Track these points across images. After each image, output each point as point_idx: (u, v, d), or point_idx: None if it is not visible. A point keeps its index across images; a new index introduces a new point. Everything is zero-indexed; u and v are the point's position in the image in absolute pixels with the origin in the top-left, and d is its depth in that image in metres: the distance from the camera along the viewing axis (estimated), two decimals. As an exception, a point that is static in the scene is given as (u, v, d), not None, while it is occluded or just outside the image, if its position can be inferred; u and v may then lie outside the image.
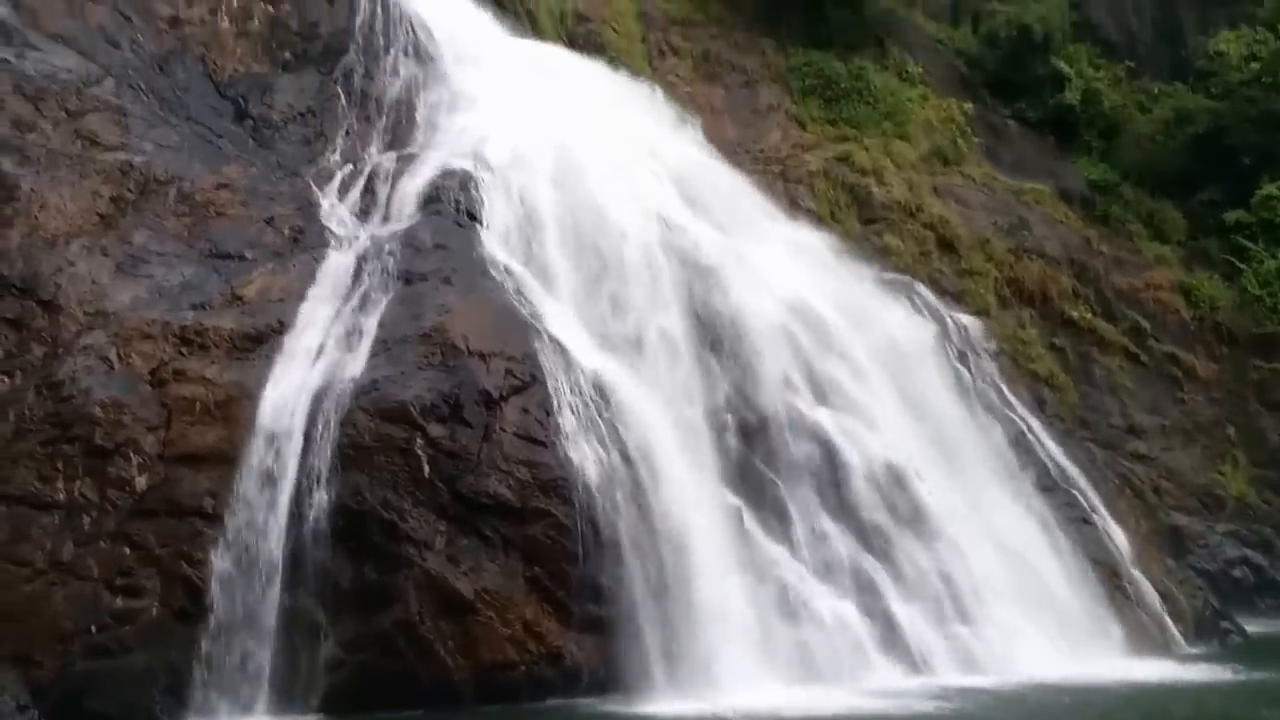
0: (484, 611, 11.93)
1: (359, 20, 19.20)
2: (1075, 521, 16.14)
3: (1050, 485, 16.57)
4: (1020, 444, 16.92)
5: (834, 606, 13.04)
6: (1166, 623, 15.89)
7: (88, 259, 14.16)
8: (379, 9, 19.37)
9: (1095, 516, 16.51)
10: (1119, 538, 16.50)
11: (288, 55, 18.80)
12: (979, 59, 28.35)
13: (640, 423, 13.25)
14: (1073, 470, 17.24)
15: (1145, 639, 15.23)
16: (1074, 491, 16.69)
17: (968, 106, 25.98)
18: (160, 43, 17.81)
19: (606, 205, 15.77)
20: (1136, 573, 16.19)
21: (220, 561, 11.99)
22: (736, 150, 22.63)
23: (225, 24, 18.60)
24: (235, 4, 18.82)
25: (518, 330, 13.53)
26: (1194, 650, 15.66)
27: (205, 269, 14.57)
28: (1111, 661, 13.97)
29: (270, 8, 19.07)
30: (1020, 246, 23.55)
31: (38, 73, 15.42)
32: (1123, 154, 26.89)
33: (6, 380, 13.27)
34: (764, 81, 25.36)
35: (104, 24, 17.10)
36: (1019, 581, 14.38)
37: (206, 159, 16.10)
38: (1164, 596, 16.30)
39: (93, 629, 12.02)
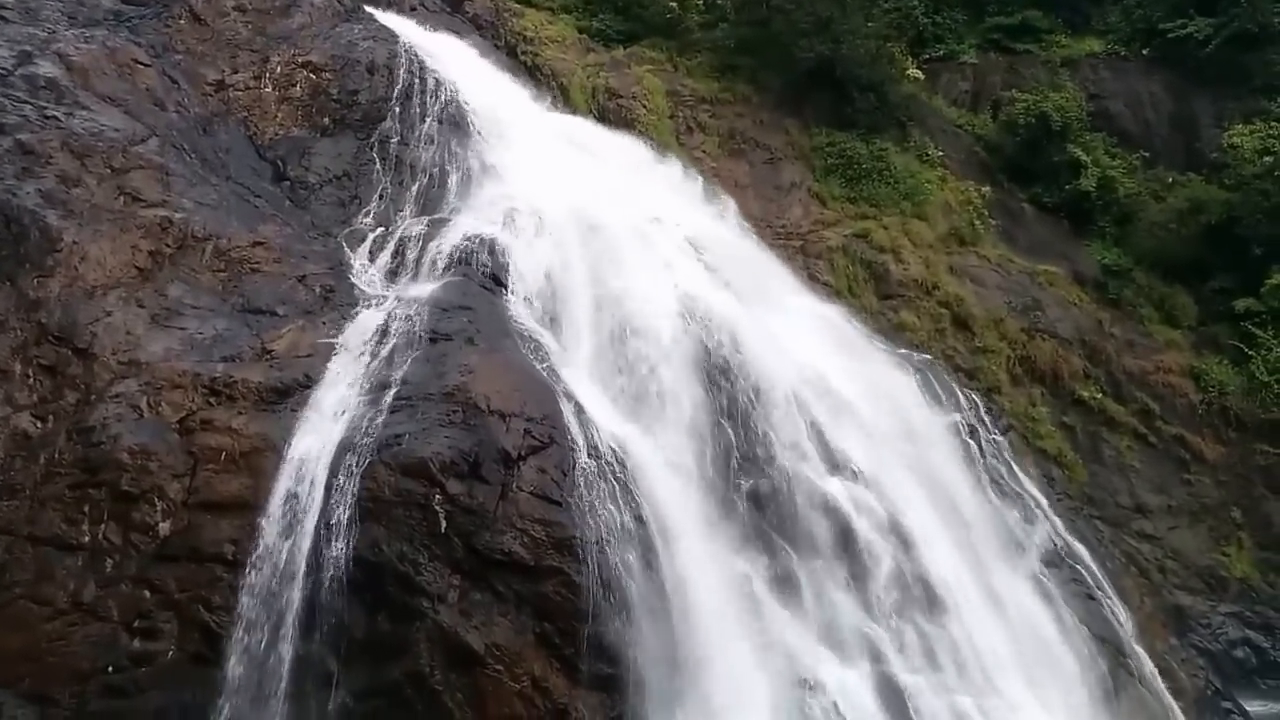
0: (494, 666, 12.13)
1: (397, 90, 19.84)
2: (1080, 597, 16.21)
3: (1056, 561, 16.66)
4: (1028, 519, 17.05)
5: (840, 674, 13.15)
6: (1168, 700, 15.87)
7: (124, 310, 14.59)
8: (417, 80, 20.02)
9: (1100, 593, 16.57)
10: (1123, 615, 16.55)
11: (327, 121, 19.40)
12: (997, 144, 28.86)
13: (654, 486, 13.51)
14: (1079, 547, 17.32)
15: (1147, 716, 15.26)
16: (1079, 568, 16.76)
17: (985, 190, 26.39)
18: (205, 106, 18.46)
19: (629, 273, 16.21)
20: (1139, 649, 16.22)
21: (238, 608, 12.28)
22: (759, 224, 23.06)
23: (268, 89, 19.25)
24: (279, 71, 19.49)
25: (538, 392, 13.84)
26: (1194, 730, 15.72)
27: (237, 323, 14.99)
28: (1113, 738, 14.04)
29: (313, 75, 19.73)
30: (1033, 326, 23.84)
31: (85, 130, 15.94)
32: (1136, 240, 27.20)
33: (39, 424, 13.63)
34: (787, 159, 25.89)
35: (152, 87, 17.71)
36: (1023, 654, 14.46)
37: (244, 217, 16.60)
38: (1166, 674, 16.31)
39: (110, 669, 12.32)
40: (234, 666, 12.07)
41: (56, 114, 15.97)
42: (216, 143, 18.14)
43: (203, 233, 15.86)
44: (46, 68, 16.38)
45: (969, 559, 15.33)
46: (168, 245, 15.52)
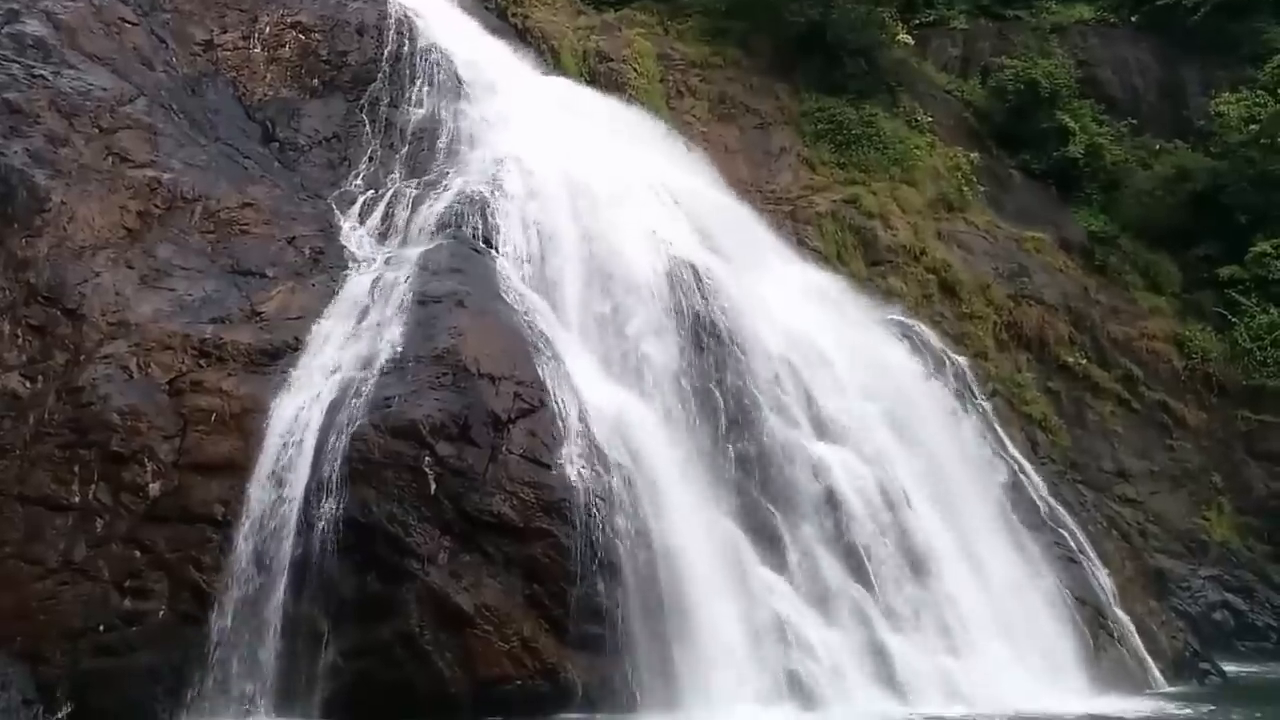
0: (483, 626, 12.24)
1: (387, 51, 19.82)
2: (1062, 560, 16.42)
3: (1039, 524, 16.85)
4: (1012, 484, 17.23)
5: (824, 634, 13.31)
6: (1147, 661, 16.16)
7: (113, 270, 14.60)
8: (406, 41, 19.97)
9: (1082, 556, 16.79)
10: (1104, 578, 16.79)
11: (316, 82, 19.35)
12: (986, 111, 28.87)
13: (643, 449, 13.61)
14: (1062, 511, 17.54)
15: (1126, 676, 15.51)
16: (1062, 531, 16.98)
17: (974, 156, 26.42)
18: (193, 65, 18.36)
19: (619, 236, 16.21)
20: (1120, 612, 16.47)
21: (228, 568, 12.36)
22: (748, 189, 23.07)
23: (257, 50, 19.16)
24: (268, 31, 19.41)
25: (528, 355, 13.90)
26: (1172, 689, 15.90)
27: (226, 284, 15.01)
28: (1092, 697, 14.26)
29: (301, 36, 19.64)
30: (1020, 293, 23.98)
31: (73, 89, 15.88)
32: (1122, 207, 27.32)
33: (28, 384, 13.65)
34: (777, 124, 25.85)
35: (139, 46, 17.62)
36: (1006, 616, 14.66)
37: (233, 178, 16.56)
38: (1145, 636, 16.56)
39: (101, 629, 12.41)
40: (225, 626, 12.16)
41: (44, 73, 15.88)
42: (205, 103, 18.06)
43: (192, 194, 15.84)
44: (34, 26, 16.28)
45: (954, 522, 15.48)
46: (156, 206, 15.50)
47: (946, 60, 30.86)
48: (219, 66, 18.61)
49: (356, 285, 15.05)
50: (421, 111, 19.27)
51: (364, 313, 14.51)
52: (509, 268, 15.60)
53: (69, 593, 12.49)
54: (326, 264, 15.62)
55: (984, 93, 29.41)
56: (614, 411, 13.82)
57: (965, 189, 25.66)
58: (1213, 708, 14.19)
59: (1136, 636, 16.29)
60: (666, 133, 22.02)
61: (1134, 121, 29.09)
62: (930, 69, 29.86)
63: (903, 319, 20.17)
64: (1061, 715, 12.99)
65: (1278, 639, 21.39)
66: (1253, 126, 25.81)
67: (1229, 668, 18.02)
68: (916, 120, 27.06)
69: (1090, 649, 15.30)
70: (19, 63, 15.63)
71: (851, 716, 12.34)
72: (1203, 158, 27.34)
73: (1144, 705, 14.18)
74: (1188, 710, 13.95)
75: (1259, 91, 26.59)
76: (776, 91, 26.36)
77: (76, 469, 13.01)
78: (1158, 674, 16.18)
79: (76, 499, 12.87)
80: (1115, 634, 15.94)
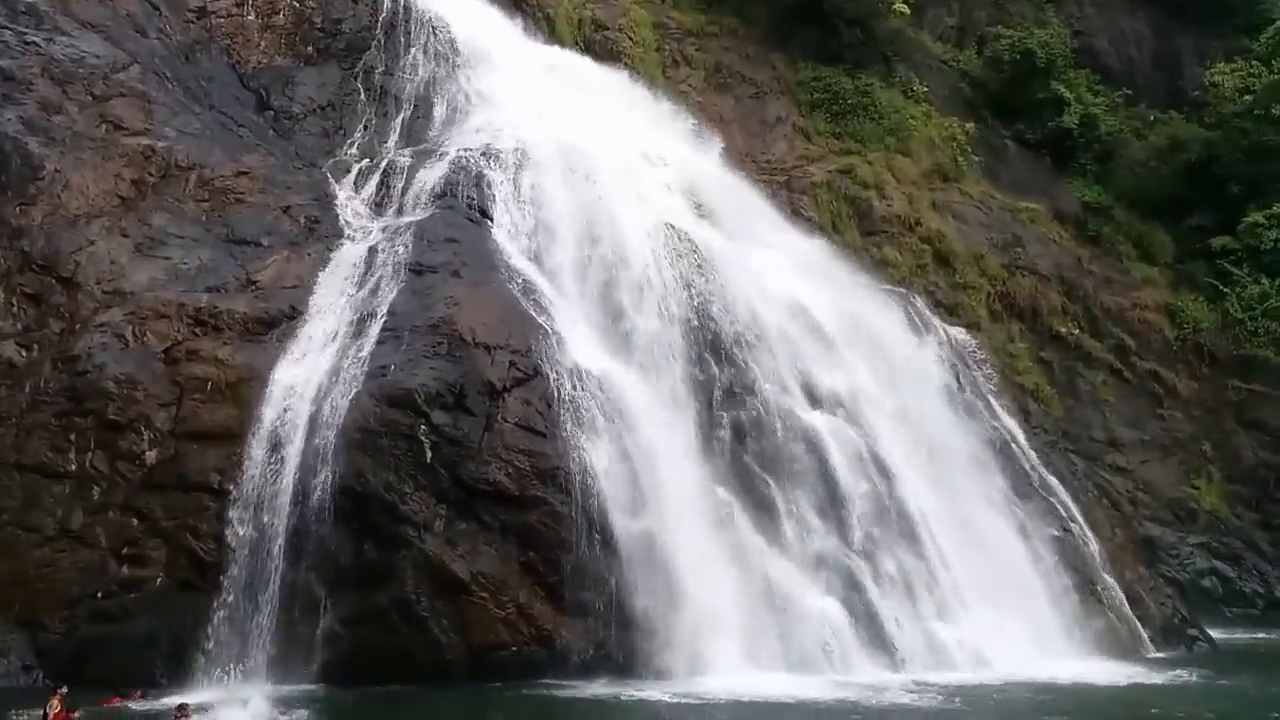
0: (479, 593, 12.36)
1: (381, 18, 19.75)
2: (1053, 528, 16.56)
3: (1031, 493, 17.00)
4: (1005, 453, 17.35)
5: (817, 601, 13.43)
6: (1136, 627, 16.34)
7: (107, 239, 14.60)
8: (401, 9, 19.89)
9: (1073, 524, 16.95)
10: (1094, 545, 16.95)
11: (310, 50, 19.31)
12: (982, 81, 28.85)
13: (637, 418, 13.70)
14: (1053, 480, 17.69)
15: (1115, 642, 15.68)
16: (1053, 500, 17.12)
17: (969, 126, 26.40)
18: (187, 33, 18.27)
19: (614, 206, 16.23)
20: (1109, 579, 16.64)
21: (225, 536, 12.43)
22: (743, 159, 23.05)
23: (251, 17, 19.07)
24: (262, -2, 19.32)
25: (523, 324, 13.96)
26: (1161, 654, 16.11)
27: (222, 253, 15.01)
28: (1081, 662, 14.39)
29: (295, 3, 19.56)
30: (1014, 263, 24.06)
31: (66, 57, 15.82)
32: (1116, 177, 27.41)
33: (24, 353, 13.68)
34: (773, 94, 25.80)
35: (133, 12, 17.53)
36: (997, 583, 14.80)
37: (227, 147, 16.53)
38: (1134, 602, 16.74)
39: (99, 595, 12.53)
40: (222, 593, 12.24)
41: (36, 40, 15.81)
42: (199, 71, 17.98)
43: (186, 162, 15.82)
44: (26, -8, 16.18)
45: (946, 490, 15.60)
46: (151, 174, 15.46)
47: (943, 30, 30.79)
48: (213, 34, 18.52)
49: (352, 254, 15.07)
50: (417, 79, 19.24)
51: (360, 282, 14.53)
52: (504, 237, 15.62)
53: (67, 560, 12.60)
54: (322, 233, 15.61)
55: (980, 62, 29.41)
56: (608, 380, 13.87)
57: (960, 159, 25.68)
58: (1200, 673, 14.39)
59: (1126, 603, 16.48)
60: (662, 102, 21.91)
61: (1129, 92, 29.13)
62: (926, 38, 29.80)
63: (897, 289, 20.25)
64: (1051, 680, 13.15)
65: (1265, 605, 21.72)
66: (1247, 97, 25.88)
67: (1217, 633, 18.26)
68: (912, 90, 27.03)
69: (1080, 615, 15.48)
70: (11, 29, 15.56)
71: (843, 682, 12.44)
72: (1197, 128, 27.45)
73: (1133, 670, 14.36)
74: (1176, 675, 14.14)
75: (1254, 62, 26.64)
76: (772, 61, 26.31)
77: (73, 437, 13.06)
78: (1146, 640, 16.39)
79: (73, 467, 12.94)
80: (1105, 600, 16.11)
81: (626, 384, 14.11)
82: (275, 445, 12.92)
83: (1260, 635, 19.55)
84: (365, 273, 14.61)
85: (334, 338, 13.74)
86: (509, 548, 12.57)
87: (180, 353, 13.58)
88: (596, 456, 13.05)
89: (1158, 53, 30.56)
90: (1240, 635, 19.35)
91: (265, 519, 12.54)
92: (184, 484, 12.87)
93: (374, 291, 14.27)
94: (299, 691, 11.56)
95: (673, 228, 16.36)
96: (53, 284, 14.07)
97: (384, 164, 17.10)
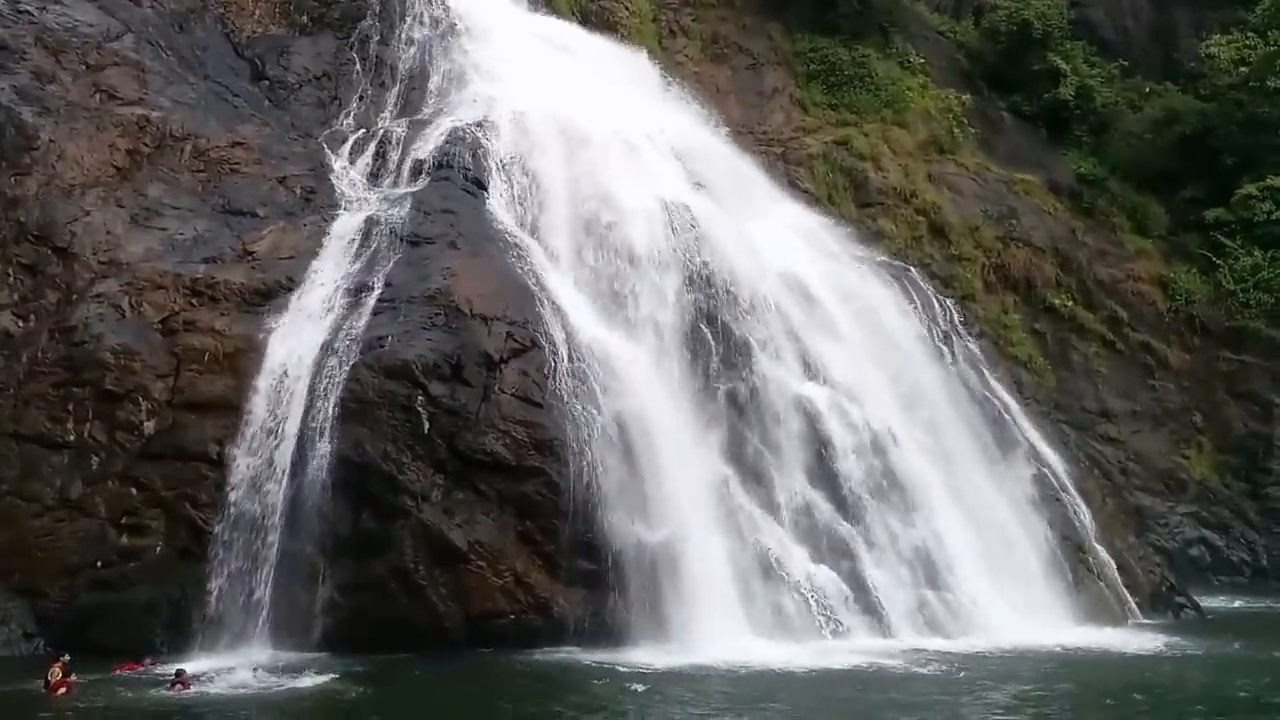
0: (476, 562, 12.46)
1: (376, -13, 19.61)
2: (1045, 497, 16.68)
3: (1023, 463, 16.97)
4: (997, 423, 17.43)
5: (810, 569, 13.54)
6: (1125, 595, 16.50)
7: (103, 209, 14.60)
8: (398, -24, 19.77)
9: (1064, 494, 17.08)
10: (1085, 514, 17.09)
11: (306, 19, 19.18)
12: (978, 52, 28.77)
13: (634, 388, 13.74)
14: (1045, 449, 17.79)
15: (1104, 610, 15.81)
16: (1045, 469, 17.22)
17: (965, 97, 26.33)
18: (181, 1, 18.15)
19: (610, 178, 16.21)
20: (1100, 547, 16.80)
21: (224, 506, 12.52)
22: (740, 130, 23.01)
23: (245, -15, 18.96)
24: (256, -34, 19.16)
25: (520, 295, 13.99)
26: (1149, 621, 16.26)
27: (218, 224, 15.02)
28: (1071, 629, 14.52)
29: (290, -30, 19.41)
30: (1008, 235, 24.07)
31: (59, 25, 15.74)
32: (1112, 149, 27.37)
33: (21, 324, 13.71)
34: (769, 65, 25.73)
35: (126, -20, 17.42)
36: (988, 551, 14.96)
37: (222, 117, 16.49)
38: (1124, 571, 16.91)
39: (98, 564, 12.63)
40: (221, 562, 12.34)
41: (29, 8, 15.73)
42: (193, 40, 17.88)
43: (181, 132, 15.80)
44: (18, -40, 16.05)
45: (939, 460, 15.70)
46: (146, 144, 15.44)
47: (939, 0, 30.67)
48: (207, 3, 18.43)
49: (348, 225, 15.05)
50: (412, 50, 19.14)
51: (356, 253, 14.53)
52: (500, 208, 15.62)
53: (66, 529, 12.69)
54: (318, 204, 15.60)
55: (976, 34, 29.29)
56: (605, 351, 13.92)
57: (956, 131, 25.64)
58: (1188, 640, 14.54)
59: (1115, 571, 16.65)
60: (658, 72, 21.86)
61: (1125, 64, 29.00)
62: (923, 9, 29.69)
63: (893, 260, 20.30)
64: (1041, 647, 13.29)
65: (1252, 574, 21.91)
66: (1242, 69, 25.80)
67: (1204, 602, 18.45)
68: (909, 62, 26.95)
69: (1070, 583, 15.62)
70: (4, -2, 15.47)
71: (837, 650, 12.53)
72: (1192, 100, 27.37)
73: (1122, 637, 14.50)
74: (1164, 642, 14.28)
75: (1249, 34, 26.53)
76: (769, 31, 26.22)
77: (71, 407, 13.11)
78: (1135, 607, 16.57)
79: (72, 437, 13.00)
80: (1095, 569, 16.28)
81: (623, 354, 14.14)
82: (273, 415, 12.98)
83: (1247, 603, 19.73)
84: (362, 244, 14.60)
85: (331, 309, 13.76)
86: (506, 517, 12.66)
87: (177, 323, 13.62)
88: (592, 426, 13.08)
89: (1154, 24, 30.45)
90: (1228, 603, 19.56)
91: (264, 489, 12.61)
92: (182, 454, 12.93)
93: (370, 262, 14.28)
94: (299, 659, 11.65)
95: (669, 198, 16.33)
96: (49, 254, 14.09)
97: (380, 134, 17.07)
